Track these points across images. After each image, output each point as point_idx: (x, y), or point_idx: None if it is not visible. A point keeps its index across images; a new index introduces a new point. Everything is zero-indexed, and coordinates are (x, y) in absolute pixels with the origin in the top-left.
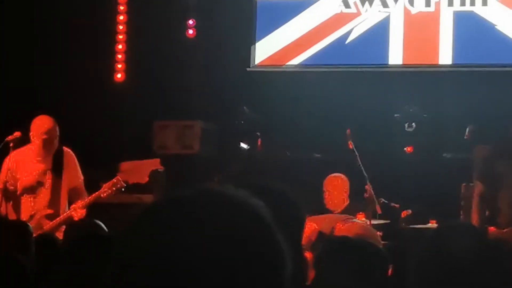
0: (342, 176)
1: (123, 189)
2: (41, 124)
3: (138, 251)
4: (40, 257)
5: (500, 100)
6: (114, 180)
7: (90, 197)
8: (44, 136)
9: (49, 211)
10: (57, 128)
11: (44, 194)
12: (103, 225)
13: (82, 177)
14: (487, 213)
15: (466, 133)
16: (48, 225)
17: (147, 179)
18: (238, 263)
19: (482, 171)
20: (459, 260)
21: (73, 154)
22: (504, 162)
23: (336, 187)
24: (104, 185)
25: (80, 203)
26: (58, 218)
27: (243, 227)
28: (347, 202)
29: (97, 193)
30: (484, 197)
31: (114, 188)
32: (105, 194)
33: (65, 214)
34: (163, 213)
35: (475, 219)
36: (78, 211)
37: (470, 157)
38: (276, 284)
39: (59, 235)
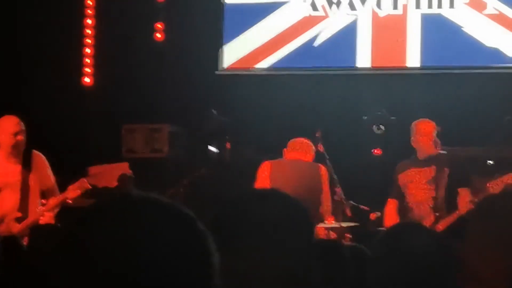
0: None
1: (88, 191)
2: (9, 125)
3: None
4: (3, 261)
5: (467, 102)
6: (80, 181)
7: (55, 200)
8: (13, 137)
9: (18, 214)
10: (24, 129)
11: (13, 197)
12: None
13: (53, 179)
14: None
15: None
16: (16, 228)
17: (116, 183)
18: (163, 264)
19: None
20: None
21: (43, 157)
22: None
23: None
24: (69, 187)
25: (46, 206)
26: (24, 222)
27: (166, 227)
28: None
29: (62, 195)
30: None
31: (79, 190)
32: (70, 196)
33: (31, 217)
34: (89, 221)
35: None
36: (44, 214)
37: None
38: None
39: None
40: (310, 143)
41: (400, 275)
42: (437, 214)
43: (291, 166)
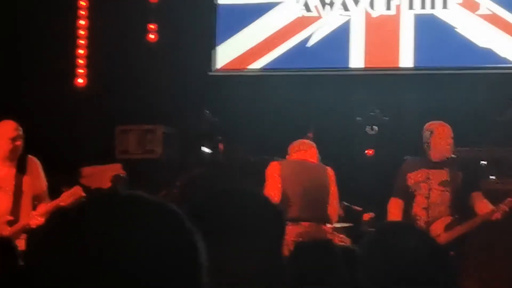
0: None
1: (82, 199)
2: (7, 130)
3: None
4: None
5: (461, 102)
6: (74, 189)
7: (49, 205)
8: (11, 142)
9: (10, 218)
10: (22, 134)
11: (6, 200)
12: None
13: (46, 185)
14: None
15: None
16: (7, 231)
17: (109, 184)
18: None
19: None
20: (398, 257)
21: (38, 162)
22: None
23: None
24: (63, 194)
25: (38, 210)
26: (15, 225)
27: (155, 227)
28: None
29: (56, 201)
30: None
31: (73, 197)
32: (63, 203)
33: (22, 221)
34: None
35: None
36: (36, 219)
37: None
38: (190, 281)
39: (20, 242)
40: (313, 144)
41: (389, 274)
42: (456, 216)
43: (300, 166)
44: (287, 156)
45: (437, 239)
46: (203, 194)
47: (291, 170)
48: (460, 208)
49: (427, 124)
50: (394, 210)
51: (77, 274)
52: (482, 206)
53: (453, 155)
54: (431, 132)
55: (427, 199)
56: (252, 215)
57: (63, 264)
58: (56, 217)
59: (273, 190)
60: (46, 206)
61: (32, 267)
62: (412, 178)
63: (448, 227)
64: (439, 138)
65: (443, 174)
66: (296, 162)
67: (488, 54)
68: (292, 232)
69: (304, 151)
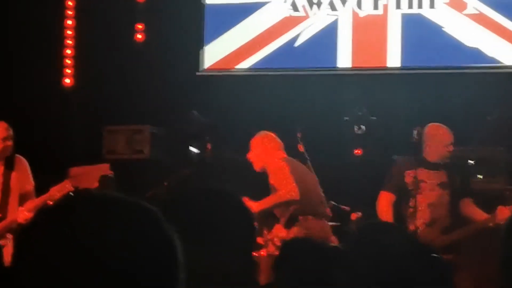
0: None
1: (71, 193)
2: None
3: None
4: None
5: (448, 102)
6: (62, 184)
7: (37, 201)
8: (1, 142)
9: None
10: (12, 134)
11: None
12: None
13: (33, 184)
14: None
15: (414, 135)
16: None
17: (97, 184)
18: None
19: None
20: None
21: (26, 161)
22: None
23: None
24: (51, 189)
25: (26, 206)
26: (2, 222)
27: (131, 223)
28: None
29: (44, 196)
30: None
31: (62, 192)
32: (52, 198)
33: (9, 218)
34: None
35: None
36: (24, 214)
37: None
38: (169, 278)
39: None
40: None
41: (371, 272)
42: (451, 221)
43: (297, 164)
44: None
45: (433, 241)
46: (184, 194)
47: (296, 167)
48: (457, 211)
49: (430, 125)
50: (386, 204)
51: (54, 273)
52: (478, 213)
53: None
54: (432, 134)
55: (427, 199)
56: (225, 214)
57: (39, 264)
58: (36, 215)
59: (293, 189)
60: (34, 202)
61: (15, 265)
62: (411, 176)
63: (444, 231)
64: (440, 141)
65: (442, 176)
66: (293, 159)
67: (476, 53)
68: (311, 227)
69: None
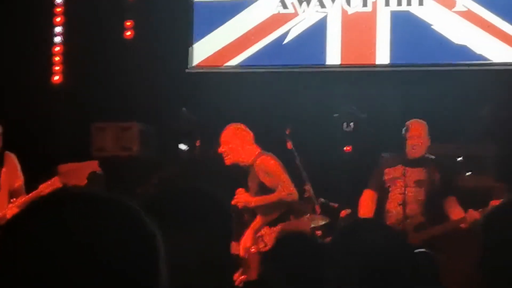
0: None
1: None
2: None
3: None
4: None
5: (437, 99)
6: (51, 181)
7: (26, 197)
8: None
9: None
10: (1, 131)
11: None
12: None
13: (22, 180)
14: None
15: (403, 132)
16: None
17: (85, 181)
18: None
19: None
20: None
21: (15, 157)
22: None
23: None
24: (40, 186)
25: (15, 203)
26: None
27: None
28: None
29: (33, 193)
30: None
31: (51, 188)
32: (41, 194)
33: None
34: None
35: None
36: (12, 210)
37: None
38: (152, 279)
39: None
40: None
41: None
42: (425, 218)
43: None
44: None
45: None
46: (164, 192)
47: (281, 165)
48: (434, 209)
49: (408, 122)
50: (368, 201)
51: (37, 266)
52: (455, 212)
53: (431, 156)
54: (407, 129)
55: (402, 196)
56: (202, 211)
57: (23, 257)
58: (21, 210)
59: (293, 191)
60: (24, 198)
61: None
62: (389, 173)
63: (418, 228)
64: (411, 134)
65: (420, 173)
66: (271, 154)
67: (464, 50)
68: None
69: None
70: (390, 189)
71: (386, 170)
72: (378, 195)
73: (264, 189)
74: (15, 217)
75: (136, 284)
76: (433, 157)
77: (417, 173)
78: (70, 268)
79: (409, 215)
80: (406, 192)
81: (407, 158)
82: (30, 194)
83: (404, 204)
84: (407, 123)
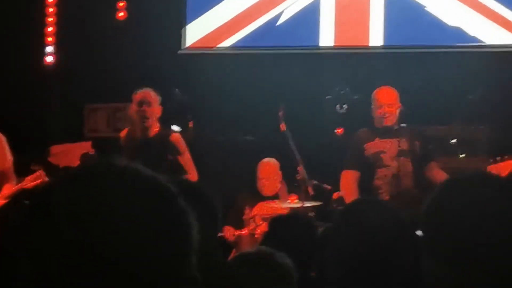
0: (273, 161)
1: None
2: None
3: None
4: None
5: (430, 81)
6: (37, 173)
7: (13, 189)
8: None
9: None
10: None
11: None
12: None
13: (10, 161)
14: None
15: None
16: None
17: (78, 162)
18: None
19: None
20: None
21: (4, 138)
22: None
23: (268, 173)
24: (26, 178)
25: (1, 193)
26: None
27: (147, 194)
28: (279, 186)
29: (19, 185)
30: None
31: (36, 181)
32: (27, 187)
33: None
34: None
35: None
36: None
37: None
38: (185, 254)
39: None
40: None
41: (358, 250)
42: (417, 190)
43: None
44: None
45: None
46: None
47: None
48: (423, 179)
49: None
50: (350, 182)
51: (65, 245)
52: (440, 176)
53: (402, 124)
54: (375, 99)
55: (389, 171)
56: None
57: (52, 228)
58: (53, 180)
59: None
60: (10, 190)
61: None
62: (370, 148)
63: (412, 202)
64: (385, 104)
65: (402, 143)
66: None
67: (458, 32)
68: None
69: None
70: (376, 164)
71: (366, 146)
72: (360, 173)
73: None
74: (53, 183)
75: (170, 255)
76: (405, 125)
77: (397, 144)
78: (107, 238)
79: (402, 190)
80: (392, 166)
81: (380, 129)
82: (16, 186)
83: (395, 177)
84: (373, 92)
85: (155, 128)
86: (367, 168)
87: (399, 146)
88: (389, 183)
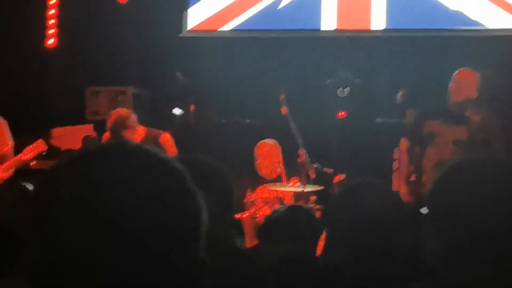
0: (272, 142)
1: (44, 153)
2: None
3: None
4: None
5: (432, 65)
6: (36, 142)
7: (11, 161)
8: None
9: None
10: None
11: None
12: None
13: (11, 144)
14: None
15: (398, 97)
16: None
17: (79, 144)
18: (156, 210)
19: (412, 133)
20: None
21: (4, 121)
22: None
23: (266, 154)
24: (26, 148)
25: (1, 167)
26: None
27: (159, 174)
28: (280, 168)
29: (18, 156)
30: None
31: (35, 151)
32: (26, 157)
33: None
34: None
35: (401, 178)
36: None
37: (402, 121)
38: (192, 235)
39: None
40: None
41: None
42: None
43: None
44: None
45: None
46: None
47: None
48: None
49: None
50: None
51: (76, 218)
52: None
53: (476, 114)
54: (452, 80)
55: (437, 155)
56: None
57: (63, 207)
58: (60, 161)
59: None
60: (8, 162)
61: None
62: (430, 126)
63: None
64: (458, 85)
65: (461, 132)
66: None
67: (459, 16)
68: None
69: None
70: (428, 144)
71: (427, 123)
72: (411, 144)
73: None
74: (62, 162)
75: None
76: (477, 117)
77: (456, 131)
78: (114, 216)
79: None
80: (442, 151)
81: (448, 112)
82: (15, 157)
83: (438, 162)
84: (455, 73)
85: (139, 137)
86: (421, 143)
87: (456, 134)
88: (435, 166)
